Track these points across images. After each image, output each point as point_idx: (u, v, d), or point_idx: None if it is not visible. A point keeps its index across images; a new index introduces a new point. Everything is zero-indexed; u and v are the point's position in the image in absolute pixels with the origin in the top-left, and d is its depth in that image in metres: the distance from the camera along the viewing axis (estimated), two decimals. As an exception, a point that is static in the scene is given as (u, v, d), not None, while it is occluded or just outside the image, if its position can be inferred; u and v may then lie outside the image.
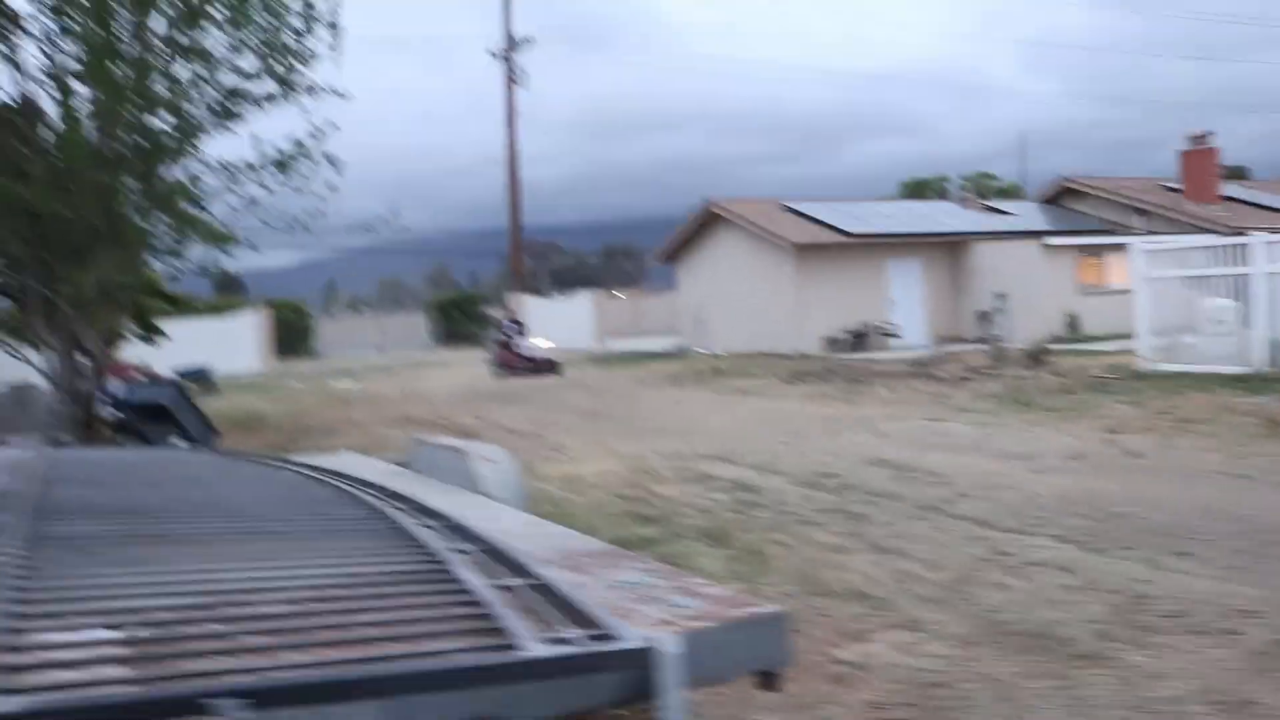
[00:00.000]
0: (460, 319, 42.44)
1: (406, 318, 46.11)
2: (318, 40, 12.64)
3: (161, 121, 12.46)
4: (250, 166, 12.47)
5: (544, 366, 22.72)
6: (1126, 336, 18.72)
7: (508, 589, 2.66)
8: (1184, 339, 14.14)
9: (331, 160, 12.91)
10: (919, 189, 42.61)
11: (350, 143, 13.34)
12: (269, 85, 12.35)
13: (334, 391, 21.51)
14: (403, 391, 20.10)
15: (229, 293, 40.74)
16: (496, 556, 3.11)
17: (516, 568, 2.86)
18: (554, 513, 5.86)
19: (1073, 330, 22.17)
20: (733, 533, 6.29)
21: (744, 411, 13.66)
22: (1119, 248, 23.71)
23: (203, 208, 12.73)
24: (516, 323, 24.62)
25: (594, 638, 2.21)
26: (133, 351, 17.16)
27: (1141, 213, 26.12)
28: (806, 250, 23.98)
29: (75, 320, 12.91)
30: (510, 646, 2.18)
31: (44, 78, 12.04)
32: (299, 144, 12.40)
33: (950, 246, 25.67)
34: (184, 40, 12.11)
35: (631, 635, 2.20)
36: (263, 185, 12.51)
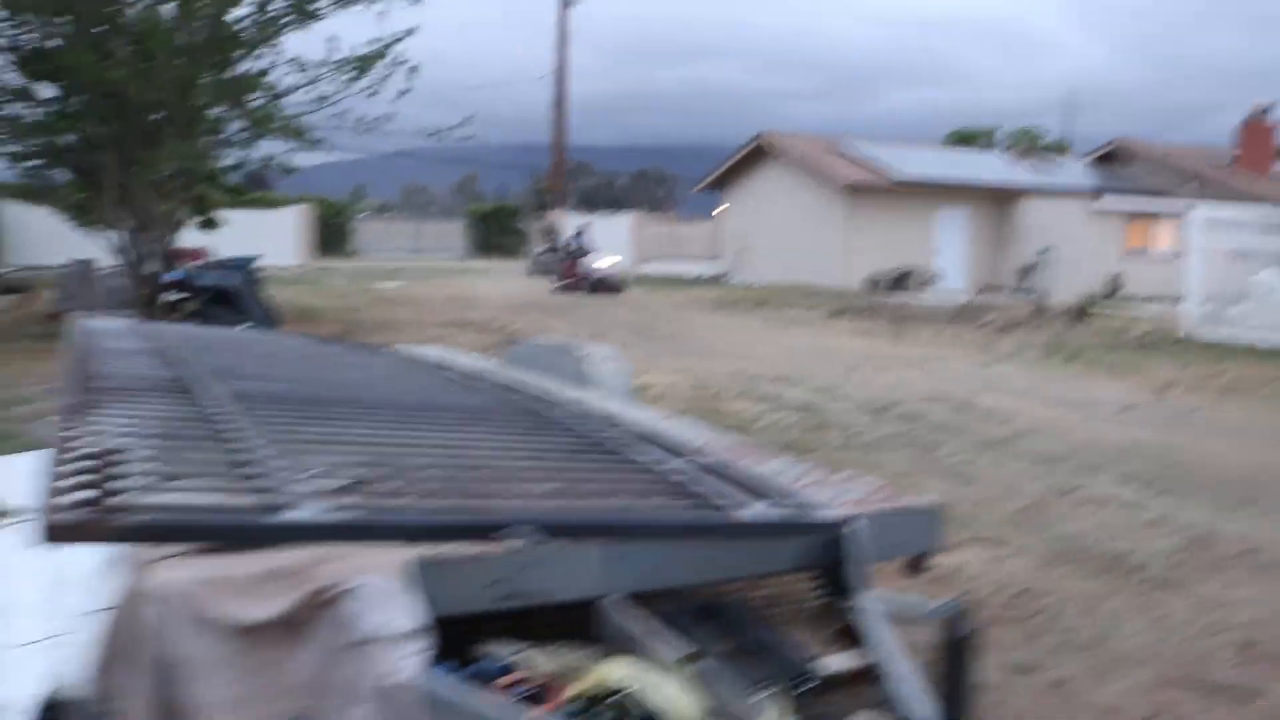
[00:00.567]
0: (496, 230, 42.62)
1: (443, 225, 46.27)
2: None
3: (243, 12, 12.64)
4: (330, 64, 12.65)
5: (607, 284, 22.10)
6: (1168, 301, 18.87)
7: (680, 468, 2.96)
8: (1232, 308, 14.27)
9: (407, 63, 13.07)
10: (967, 139, 42.21)
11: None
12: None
13: (379, 291, 21.83)
14: (449, 295, 20.41)
15: (258, 188, 40.76)
16: (654, 439, 3.41)
17: (686, 449, 3.16)
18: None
19: (1115, 290, 22.24)
20: (809, 450, 6.60)
21: (793, 341, 13.93)
22: (1169, 214, 23.73)
23: (274, 101, 12.92)
24: (581, 237, 23.63)
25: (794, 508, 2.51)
26: (189, 238, 17.50)
27: (1192, 180, 25.98)
28: (856, 191, 24.02)
29: (147, 201, 13.21)
30: (719, 509, 2.47)
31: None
32: (382, 44, 12.54)
33: (998, 198, 25.65)
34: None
35: (827, 507, 2.51)
36: (341, 84, 12.69)
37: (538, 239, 33.47)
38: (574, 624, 2.41)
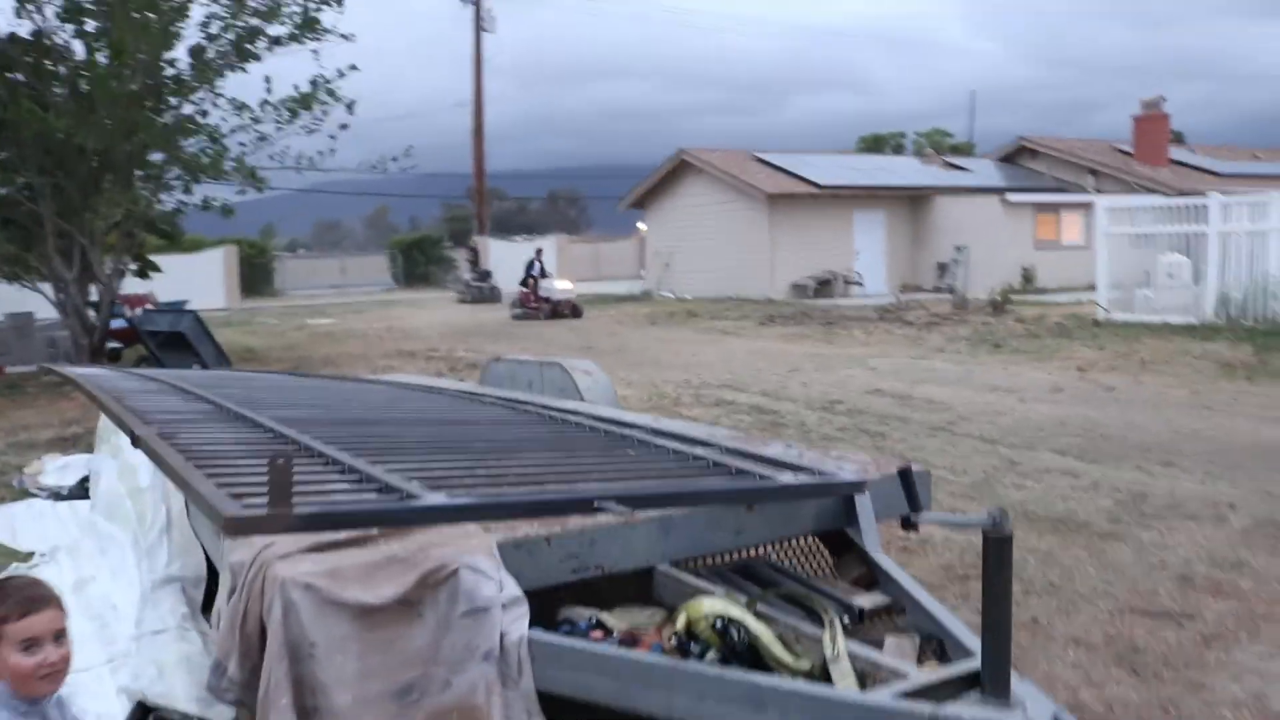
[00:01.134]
0: (420, 261, 42.70)
1: (365, 259, 46.19)
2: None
3: (181, 60, 12.84)
4: (268, 105, 12.89)
5: (564, 309, 21.98)
6: (1079, 289, 19.87)
7: (705, 454, 3.38)
8: (1140, 291, 15.18)
9: (340, 99, 13.34)
10: (876, 144, 43.55)
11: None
12: (287, 27, 12.74)
13: (314, 328, 21.90)
14: (386, 328, 20.59)
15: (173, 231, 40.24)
16: (669, 434, 3.81)
17: (702, 438, 3.58)
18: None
19: (1028, 283, 23.25)
20: (771, 446, 7.08)
21: (731, 349, 14.46)
22: (1074, 206, 24.89)
23: (219, 143, 13.09)
24: (538, 265, 23.54)
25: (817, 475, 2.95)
26: (127, 285, 17.45)
27: (1094, 173, 27.25)
28: (778, 200, 24.74)
29: (89, 250, 13.25)
30: (760, 479, 2.89)
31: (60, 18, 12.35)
32: (317, 82, 12.81)
33: (912, 200, 26.61)
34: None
35: (844, 472, 2.96)
36: (278, 123, 12.93)
37: (464, 267, 33.68)
38: (627, 592, 2.82)
